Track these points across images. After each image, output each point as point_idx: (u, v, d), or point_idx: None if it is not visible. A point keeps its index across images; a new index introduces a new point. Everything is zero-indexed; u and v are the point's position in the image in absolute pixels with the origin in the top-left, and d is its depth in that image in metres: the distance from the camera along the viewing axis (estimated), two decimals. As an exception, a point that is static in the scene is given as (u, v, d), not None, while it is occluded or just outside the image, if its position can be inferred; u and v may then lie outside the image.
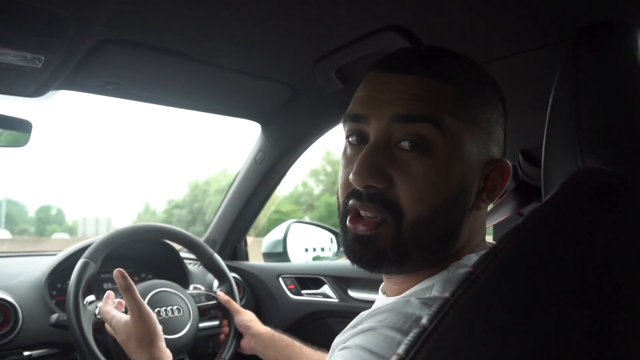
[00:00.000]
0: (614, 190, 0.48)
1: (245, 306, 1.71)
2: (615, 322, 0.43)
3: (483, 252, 0.63)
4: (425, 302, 0.56)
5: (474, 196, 0.63)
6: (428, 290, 0.60)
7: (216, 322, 1.62)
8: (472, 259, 0.63)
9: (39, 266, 1.47)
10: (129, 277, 1.09)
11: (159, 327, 1.08)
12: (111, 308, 1.14)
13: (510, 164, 0.64)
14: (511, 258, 0.45)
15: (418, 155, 0.59)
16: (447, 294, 0.45)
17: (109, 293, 1.19)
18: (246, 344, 1.30)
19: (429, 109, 0.60)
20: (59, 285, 1.47)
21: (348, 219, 0.63)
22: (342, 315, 1.60)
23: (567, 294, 0.42)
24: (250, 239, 1.97)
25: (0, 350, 1.29)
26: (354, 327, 0.61)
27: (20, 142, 1.22)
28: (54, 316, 1.27)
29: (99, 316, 1.25)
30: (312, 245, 1.91)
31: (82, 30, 0.90)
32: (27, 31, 0.87)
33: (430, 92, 0.60)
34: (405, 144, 0.60)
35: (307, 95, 1.33)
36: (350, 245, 0.63)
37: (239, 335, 1.49)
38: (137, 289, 1.34)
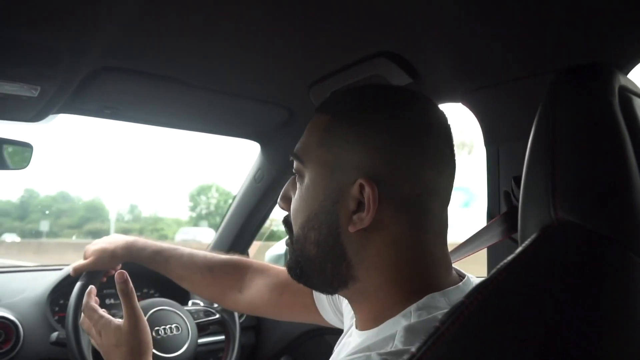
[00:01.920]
0: (585, 248, 0.48)
1: (245, 322, 1.73)
2: None
3: (450, 289, 0.64)
4: (386, 358, 0.56)
5: (347, 216, 0.65)
6: (391, 340, 0.59)
7: (217, 337, 1.64)
8: (435, 298, 0.62)
9: (42, 282, 1.50)
10: (130, 281, 1.05)
11: (151, 341, 1.04)
12: (97, 307, 1.07)
13: (374, 185, 0.63)
14: (477, 315, 0.45)
15: (298, 184, 0.71)
16: (412, 348, 0.45)
17: (92, 288, 1.11)
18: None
19: (300, 146, 0.71)
20: (61, 302, 1.49)
21: None
22: (341, 332, 1.60)
23: (531, 355, 0.43)
24: (257, 245, 1.98)
25: None
26: None
27: (22, 164, 1.24)
28: (54, 334, 1.29)
29: None
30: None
31: (76, 61, 0.92)
32: (21, 64, 0.89)
33: (310, 128, 0.71)
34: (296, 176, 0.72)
35: (304, 116, 1.33)
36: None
37: (239, 350, 1.51)
38: None
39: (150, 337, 1.04)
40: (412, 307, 0.62)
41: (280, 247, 1.83)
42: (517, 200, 1.03)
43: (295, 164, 0.71)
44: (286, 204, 0.74)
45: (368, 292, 0.67)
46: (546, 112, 0.56)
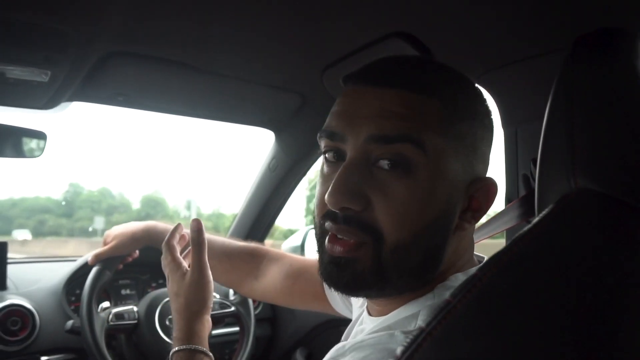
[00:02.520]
0: (605, 214, 0.45)
1: (261, 313, 1.72)
2: (603, 352, 0.40)
3: (471, 270, 0.61)
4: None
5: (458, 217, 0.59)
6: (413, 319, 0.57)
7: (232, 329, 1.63)
8: (459, 279, 0.60)
9: (59, 272, 1.50)
10: (204, 232, 0.94)
11: (212, 300, 0.95)
12: (177, 248, 0.98)
13: (496, 182, 0.61)
14: (490, 287, 0.43)
15: (398, 175, 0.56)
16: (422, 324, 0.43)
17: (179, 225, 1.01)
18: None
19: (408, 127, 0.55)
20: (77, 291, 1.50)
21: (326, 239, 0.60)
22: (357, 323, 1.58)
23: (550, 324, 0.40)
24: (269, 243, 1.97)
25: (18, 356, 1.32)
26: (334, 359, 0.59)
27: (35, 153, 1.24)
28: (70, 322, 1.30)
29: (112, 322, 1.26)
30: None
31: (85, 45, 0.91)
32: (31, 47, 0.88)
33: (410, 108, 0.56)
34: (384, 163, 0.56)
35: (317, 102, 1.32)
36: (327, 267, 0.60)
37: (253, 341, 1.50)
38: (150, 296, 1.36)
39: (211, 295, 0.94)
40: (436, 289, 0.60)
41: (296, 239, 1.82)
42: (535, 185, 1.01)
43: (394, 147, 0.56)
44: (360, 202, 0.56)
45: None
46: (565, 78, 0.53)
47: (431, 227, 0.57)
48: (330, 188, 0.57)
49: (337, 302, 0.98)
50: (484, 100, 0.64)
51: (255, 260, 1.15)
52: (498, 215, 0.96)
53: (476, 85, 0.65)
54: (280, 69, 1.15)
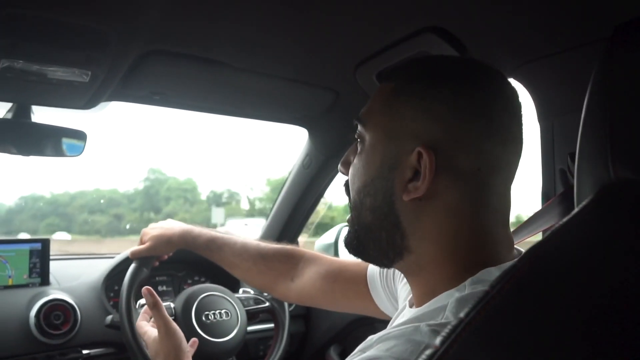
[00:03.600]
0: None
1: (295, 310, 1.73)
2: None
3: (505, 265, 0.61)
4: (435, 329, 0.55)
5: (403, 185, 0.64)
6: (441, 311, 0.58)
7: (267, 325, 1.65)
8: (491, 272, 0.60)
9: (98, 269, 1.55)
10: (156, 295, 1.11)
11: (184, 344, 1.09)
12: (145, 323, 1.15)
13: (432, 153, 0.61)
14: (528, 278, 0.42)
15: (359, 148, 0.70)
16: (461, 315, 0.43)
17: (145, 308, 1.19)
18: None
19: (364, 110, 0.70)
20: (116, 287, 1.54)
21: None
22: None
23: (587, 316, 0.40)
24: (304, 239, 1.98)
25: (60, 349, 1.36)
26: (362, 351, 0.60)
27: (75, 152, 1.28)
28: (109, 317, 1.33)
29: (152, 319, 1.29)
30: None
31: (124, 44, 0.93)
32: (71, 48, 0.91)
33: (375, 94, 0.70)
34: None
35: (350, 99, 1.32)
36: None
37: (288, 338, 1.51)
38: (186, 292, 1.38)
39: (181, 341, 1.09)
40: (467, 281, 0.60)
41: (329, 237, 1.82)
42: (574, 178, 0.99)
43: (358, 127, 0.70)
44: (346, 169, 0.73)
45: (423, 265, 0.65)
46: (604, 67, 0.52)
47: (369, 187, 0.67)
48: None
49: (382, 298, 0.97)
50: (447, 74, 0.66)
51: (292, 261, 1.15)
52: (537, 214, 0.94)
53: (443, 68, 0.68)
54: (314, 65, 1.16)
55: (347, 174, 0.73)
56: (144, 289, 1.11)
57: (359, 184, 0.69)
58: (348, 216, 0.73)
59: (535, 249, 0.44)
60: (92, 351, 1.40)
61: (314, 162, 1.62)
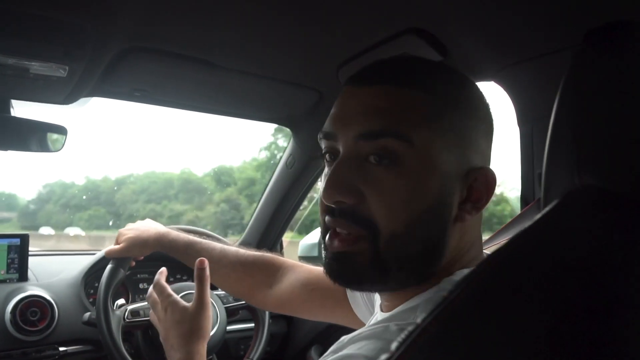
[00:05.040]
0: (610, 211, 0.44)
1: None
2: (602, 348, 0.39)
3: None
4: (404, 329, 0.54)
5: (457, 207, 0.60)
6: (412, 312, 0.58)
7: (247, 325, 1.64)
8: (464, 273, 0.60)
9: (77, 265, 1.53)
10: (207, 270, 1.04)
11: (210, 330, 1.04)
12: (167, 286, 1.07)
13: (494, 173, 0.60)
14: (489, 283, 0.42)
15: (387, 168, 0.58)
16: (417, 320, 0.42)
17: (164, 269, 1.12)
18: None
19: (392, 121, 0.57)
20: (95, 284, 1.52)
21: (327, 236, 0.62)
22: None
23: (547, 326, 0.39)
24: (288, 238, 1.97)
25: (37, 345, 1.35)
26: (334, 352, 0.60)
27: (55, 147, 1.27)
28: (87, 314, 1.32)
29: (128, 320, 1.28)
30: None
31: (103, 40, 0.92)
32: (49, 42, 0.90)
33: (394, 103, 0.58)
34: (372, 158, 0.59)
35: (333, 99, 1.30)
36: (329, 263, 0.62)
37: (268, 337, 1.50)
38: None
39: (210, 327, 1.05)
40: (441, 283, 0.60)
41: (314, 236, 1.82)
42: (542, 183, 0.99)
43: (381, 142, 0.58)
44: (352, 195, 0.59)
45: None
46: (574, 73, 0.52)
47: (424, 217, 0.58)
48: (324, 184, 0.60)
49: (359, 304, 0.96)
50: (477, 92, 0.64)
51: (271, 269, 1.14)
52: (516, 219, 0.94)
53: (466, 76, 0.65)
54: (297, 65, 1.15)
55: (352, 201, 0.59)
56: (199, 260, 1.05)
57: (409, 215, 0.58)
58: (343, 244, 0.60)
59: (496, 254, 0.44)
60: (69, 348, 1.39)
61: (297, 162, 1.62)
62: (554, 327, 0.40)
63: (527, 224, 0.45)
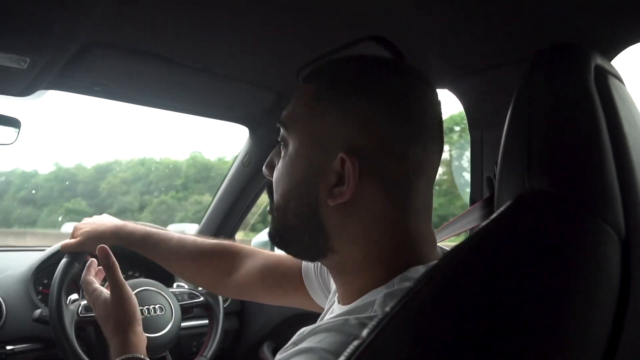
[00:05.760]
0: (558, 215, 0.48)
1: (229, 307, 1.74)
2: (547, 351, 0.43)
3: (432, 262, 0.65)
4: (363, 322, 0.57)
5: (328, 190, 0.64)
6: (370, 306, 0.60)
7: (201, 322, 1.64)
8: (419, 270, 0.63)
9: (27, 261, 1.49)
10: (112, 255, 1.08)
11: (138, 311, 1.07)
12: (93, 280, 1.12)
13: (355, 159, 0.62)
14: (449, 278, 0.46)
15: (282, 152, 0.70)
16: (387, 309, 0.46)
17: (92, 261, 1.15)
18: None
19: (286, 113, 0.70)
20: (45, 281, 1.49)
21: None
22: (324, 318, 1.61)
23: (499, 323, 0.43)
24: (240, 237, 1.98)
25: None
26: (295, 344, 0.62)
27: (8, 139, 1.24)
28: (37, 311, 1.29)
29: (81, 315, 1.26)
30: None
31: (66, 34, 0.92)
32: (11, 34, 0.89)
33: (296, 97, 0.70)
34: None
35: (293, 100, 1.34)
36: None
37: (221, 334, 1.51)
38: None
39: (135, 307, 1.06)
40: (396, 279, 0.63)
41: (266, 235, 1.83)
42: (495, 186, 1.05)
43: (281, 131, 0.70)
44: (270, 171, 0.74)
45: (349, 266, 0.67)
46: (525, 88, 0.57)
47: (295, 191, 0.68)
48: None
49: (316, 290, 0.99)
50: (374, 80, 0.66)
51: (230, 257, 1.15)
52: (462, 216, 1.00)
53: (366, 63, 0.70)
54: (258, 66, 1.18)
55: (271, 177, 0.73)
56: (99, 247, 1.09)
57: (284, 188, 0.69)
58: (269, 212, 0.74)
59: (455, 251, 0.47)
60: (18, 347, 1.34)
61: (253, 161, 1.63)
62: (498, 322, 0.43)
63: (482, 222, 0.50)
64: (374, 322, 0.44)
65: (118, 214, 1.29)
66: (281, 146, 0.71)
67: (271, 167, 0.74)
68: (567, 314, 0.44)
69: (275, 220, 0.71)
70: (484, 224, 0.49)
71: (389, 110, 0.64)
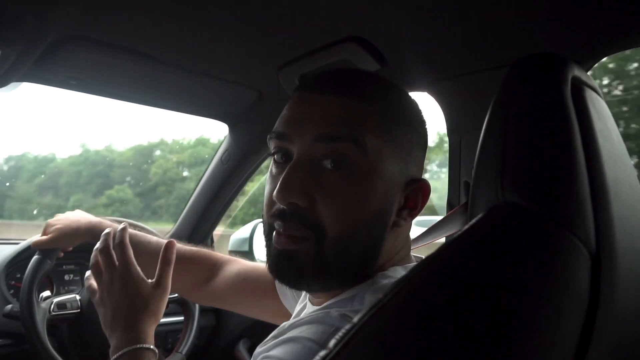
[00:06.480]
0: (529, 229, 0.48)
1: (205, 305, 1.72)
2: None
3: (409, 265, 0.66)
4: (345, 314, 0.58)
5: (395, 214, 0.65)
6: (350, 301, 0.61)
7: (176, 318, 1.63)
8: (397, 271, 0.65)
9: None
10: (174, 252, 0.97)
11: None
12: (130, 250, 0.95)
13: (429, 184, 0.67)
14: (419, 289, 0.46)
15: (340, 173, 0.61)
16: (354, 320, 0.45)
17: (126, 225, 0.99)
18: None
19: (350, 128, 0.61)
20: (18, 275, 1.46)
21: (274, 235, 0.65)
22: (301, 317, 1.61)
23: (467, 335, 0.43)
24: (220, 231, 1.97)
25: None
26: (275, 337, 0.62)
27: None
28: (8, 307, 1.27)
29: (54, 313, 1.24)
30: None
31: (40, 26, 0.90)
32: None
33: (352, 113, 0.62)
34: (327, 163, 0.61)
35: (273, 99, 1.33)
36: (274, 259, 0.65)
37: (197, 330, 1.50)
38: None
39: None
40: (377, 276, 0.65)
41: (245, 231, 1.82)
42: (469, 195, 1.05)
43: (337, 145, 0.61)
44: (305, 198, 0.61)
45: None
46: (501, 97, 0.57)
47: (370, 223, 0.62)
48: (278, 185, 0.61)
49: (286, 293, 1.00)
50: (419, 111, 0.70)
51: (208, 264, 1.14)
52: (440, 223, 1.00)
53: (411, 96, 0.71)
54: (238, 64, 1.16)
55: (304, 203, 0.61)
56: (168, 241, 0.97)
57: (355, 217, 0.61)
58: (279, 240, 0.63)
59: (427, 262, 0.47)
60: None
61: (232, 158, 1.62)
62: (466, 336, 0.43)
63: (454, 233, 0.50)
64: (340, 333, 0.44)
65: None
66: (331, 164, 0.61)
67: (304, 192, 0.61)
68: (534, 328, 0.44)
69: (328, 253, 0.61)
70: (455, 235, 0.49)
71: (424, 138, 0.70)
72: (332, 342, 0.44)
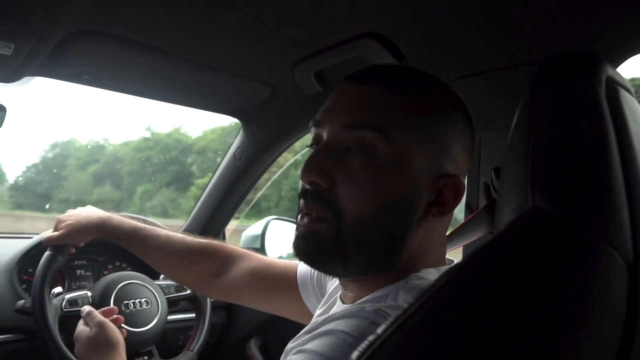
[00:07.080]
0: (561, 236, 0.46)
1: (217, 301, 1.71)
2: None
3: (443, 267, 0.65)
4: (379, 310, 0.58)
5: (424, 208, 0.64)
6: (383, 299, 0.62)
7: (187, 315, 1.62)
8: (430, 273, 0.65)
9: (11, 250, 1.46)
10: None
11: (121, 338, 1.09)
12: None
13: (464, 182, 0.66)
14: (445, 300, 0.44)
15: (362, 160, 0.63)
16: (404, 304, 0.44)
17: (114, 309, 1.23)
18: None
19: (373, 116, 0.63)
20: (30, 270, 1.46)
21: (299, 215, 0.68)
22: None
23: (495, 348, 0.41)
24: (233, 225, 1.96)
25: None
26: (308, 332, 0.63)
27: (-7, 126, 1.20)
28: (20, 302, 1.27)
29: (65, 309, 1.24)
30: (291, 242, 1.89)
31: (53, 21, 0.89)
32: None
33: (381, 102, 0.63)
34: (353, 149, 0.63)
35: (287, 95, 1.32)
36: (296, 240, 0.68)
37: (209, 328, 1.49)
38: (105, 280, 1.34)
39: (119, 334, 1.11)
40: (410, 276, 0.64)
41: (257, 228, 1.81)
42: (497, 192, 1.03)
43: (361, 133, 0.63)
44: (326, 179, 0.64)
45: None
46: (530, 98, 0.55)
47: (391, 212, 0.63)
48: (303, 164, 0.65)
49: (310, 295, 0.98)
50: (463, 108, 0.69)
51: (219, 257, 1.12)
52: (463, 227, 0.97)
53: (455, 94, 0.70)
54: (252, 59, 1.15)
55: (326, 184, 0.64)
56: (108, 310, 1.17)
57: (376, 201, 0.62)
58: (305, 220, 0.66)
59: (453, 271, 0.45)
60: (0, 337, 1.32)
61: (245, 155, 1.60)
62: (503, 342, 0.42)
63: (480, 239, 0.48)
64: (364, 345, 0.42)
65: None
66: (356, 151, 0.63)
67: (327, 174, 0.64)
68: (569, 343, 0.43)
69: (345, 233, 0.63)
70: (483, 243, 0.47)
71: (466, 131, 0.69)
72: (354, 354, 0.42)
